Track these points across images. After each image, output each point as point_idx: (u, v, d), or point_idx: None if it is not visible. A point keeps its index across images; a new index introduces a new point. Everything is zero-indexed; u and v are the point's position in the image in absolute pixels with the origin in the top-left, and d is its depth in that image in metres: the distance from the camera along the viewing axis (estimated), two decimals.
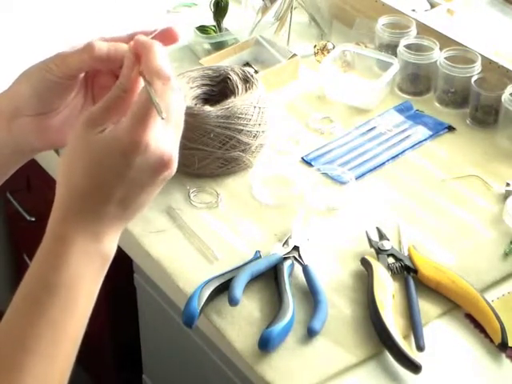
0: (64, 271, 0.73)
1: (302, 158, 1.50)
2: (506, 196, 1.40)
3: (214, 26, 1.76)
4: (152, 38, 0.79)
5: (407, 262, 1.26)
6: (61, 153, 0.78)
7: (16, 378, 0.71)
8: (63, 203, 0.75)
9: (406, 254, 1.27)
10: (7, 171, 0.89)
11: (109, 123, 0.75)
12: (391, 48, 1.69)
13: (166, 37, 0.80)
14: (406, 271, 1.25)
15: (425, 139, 1.54)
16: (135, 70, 0.77)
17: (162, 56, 0.75)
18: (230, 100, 1.42)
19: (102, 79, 0.84)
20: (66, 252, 0.73)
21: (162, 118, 0.72)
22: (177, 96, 0.75)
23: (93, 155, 0.73)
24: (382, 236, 1.30)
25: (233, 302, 1.17)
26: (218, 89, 1.49)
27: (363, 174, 1.46)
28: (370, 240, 1.29)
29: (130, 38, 0.80)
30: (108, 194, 0.74)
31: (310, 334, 1.16)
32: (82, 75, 0.84)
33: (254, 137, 1.42)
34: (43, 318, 0.73)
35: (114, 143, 0.73)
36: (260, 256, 1.26)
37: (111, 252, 0.76)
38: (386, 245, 1.28)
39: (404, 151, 1.51)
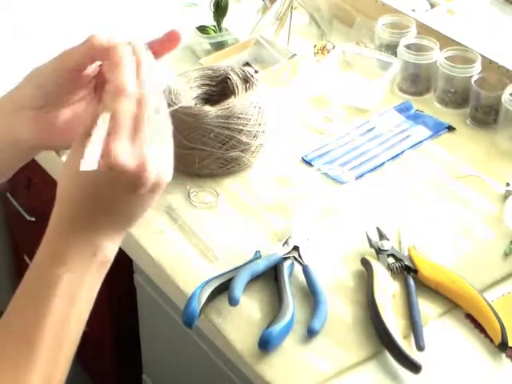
0: (63, 273, 0.75)
1: (302, 158, 1.50)
2: (506, 196, 1.40)
3: (214, 26, 1.76)
4: (156, 41, 0.81)
5: (407, 262, 1.26)
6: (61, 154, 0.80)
7: (23, 376, 0.74)
8: (60, 214, 0.78)
9: (406, 254, 1.27)
10: (7, 170, 0.90)
11: None
12: (391, 48, 1.69)
13: (171, 39, 0.82)
14: (406, 271, 1.25)
15: (425, 139, 1.54)
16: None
17: (125, 73, 0.76)
18: (230, 100, 1.42)
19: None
20: (64, 256, 0.76)
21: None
22: (152, 107, 0.76)
23: (75, 178, 0.76)
24: (381, 236, 1.30)
25: (233, 301, 1.17)
26: (218, 89, 1.49)
27: (363, 174, 1.46)
28: (369, 240, 1.29)
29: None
30: (97, 210, 0.77)
31: (310, 334, 1.16)
32: (92, 83, 0.84)
33: (253, 137, 1.42)
34: (47, 319, 0.75)
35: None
36: (260, 256, 1.26)
37: (106, 255, 0.79)
38: (386, 245, 1.28)
39: (404, 151, 1.51)
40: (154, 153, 0.75)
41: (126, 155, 0.73)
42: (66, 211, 0.77)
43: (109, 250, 0.78)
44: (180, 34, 0.82)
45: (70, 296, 0.76)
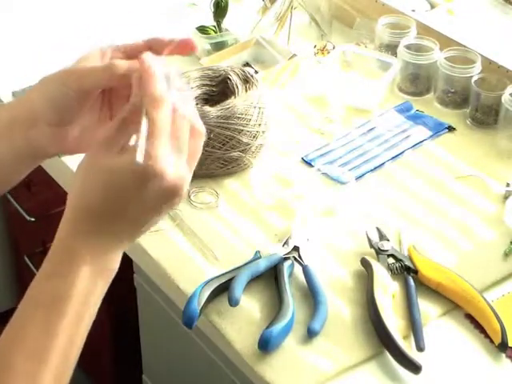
0: (75, 286, 0.75)
1: (302, 158, 1.50)
2: (506, 196, 1.40)
3: (214, 26, 1.76)
4: (171, 47, 0.81)
5: (407, 263, 1.26)
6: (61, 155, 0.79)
7: None
8: (75, 220, 0.76)
9: (406, 254, 1.27)
10: (20, 176, 0.91)
11: (125, 141, 0.76)
12: (391, 48, 1.69)
13: (185, 46, 0.82)
14: (406, 271, 1.25)
15: (425, 139, 1.54)
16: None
17: (158, 82, 0.76)
18: (230, 100, 1.42)
19: (120, 91, 0.85)
20: (76, 268, 0.75)
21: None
22: (191, 122, 0.77)
23: (108, 178, 0.75)
24: (381, 236, 1.30)
25: (233, 302, 1.17)
26: (218, 89, 1.49)
27: (363, 174, 1.46)
28: (369, 240, 1.29)
29: (146, 45, 0.81)
30: (121, 216, 0.76)
31: (310, 334, 1.16)
32: (99, 99, 0.85)
33: (254, 137, 1.42)
34: (58, 331, 0.74)
35: (129, 168, 0.74)
36: (260, 256, 1.26)
37: (116, 266, 0.78)
38: (386, 245, 1.28)
39: (404, 151, 1.51)
40: (171, 156, 0.75)
41: (167, 161, 0.73)
42: (80, 216, 0.76)
43: (118, 256, 0.78)
44: (195, 44, 0.83)
45: (79, 312, 0.75)
